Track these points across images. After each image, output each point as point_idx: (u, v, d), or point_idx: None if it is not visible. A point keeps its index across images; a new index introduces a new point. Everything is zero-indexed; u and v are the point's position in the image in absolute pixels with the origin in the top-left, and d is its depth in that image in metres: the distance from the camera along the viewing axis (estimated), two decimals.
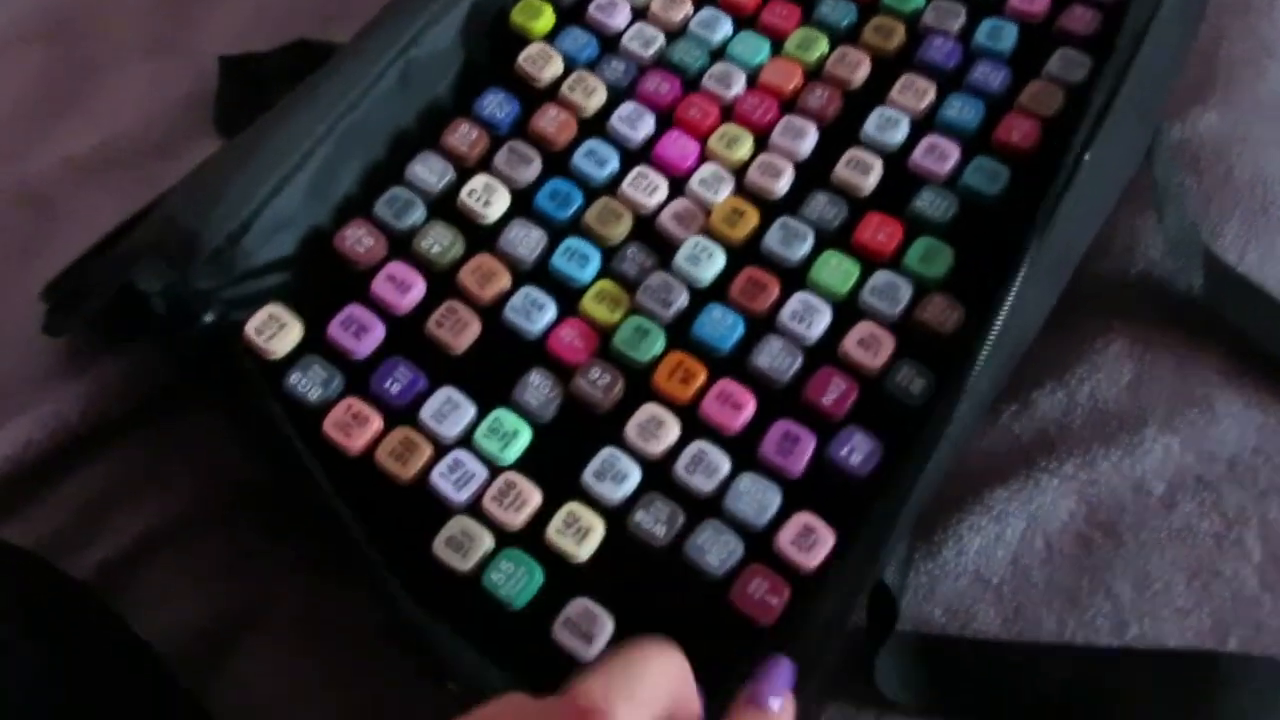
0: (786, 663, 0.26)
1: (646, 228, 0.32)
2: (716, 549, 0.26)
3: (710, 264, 0.31)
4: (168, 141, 0.50)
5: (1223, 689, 0.34)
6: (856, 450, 0.27)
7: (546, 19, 0.36)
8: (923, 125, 0.33)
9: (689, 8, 0.36)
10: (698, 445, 0.28)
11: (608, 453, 0.28)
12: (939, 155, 0.32)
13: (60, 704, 0.29)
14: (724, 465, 0.28)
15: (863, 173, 0.32)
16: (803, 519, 0.27)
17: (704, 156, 0.34)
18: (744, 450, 0.28)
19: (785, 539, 0.26)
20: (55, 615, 0.31)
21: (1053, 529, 0.38)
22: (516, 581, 0.27)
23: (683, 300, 0.31)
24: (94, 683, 0.30)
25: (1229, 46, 0.52)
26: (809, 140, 0.33)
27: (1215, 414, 0.41)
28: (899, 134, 0.33)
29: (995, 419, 0.41)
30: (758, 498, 0.27)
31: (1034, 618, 0.37)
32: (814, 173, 0.33)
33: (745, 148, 0.33)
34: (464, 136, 0.32)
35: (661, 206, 0.32)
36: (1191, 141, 0.48)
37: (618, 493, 0.28)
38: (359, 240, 0.30)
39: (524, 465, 0.29)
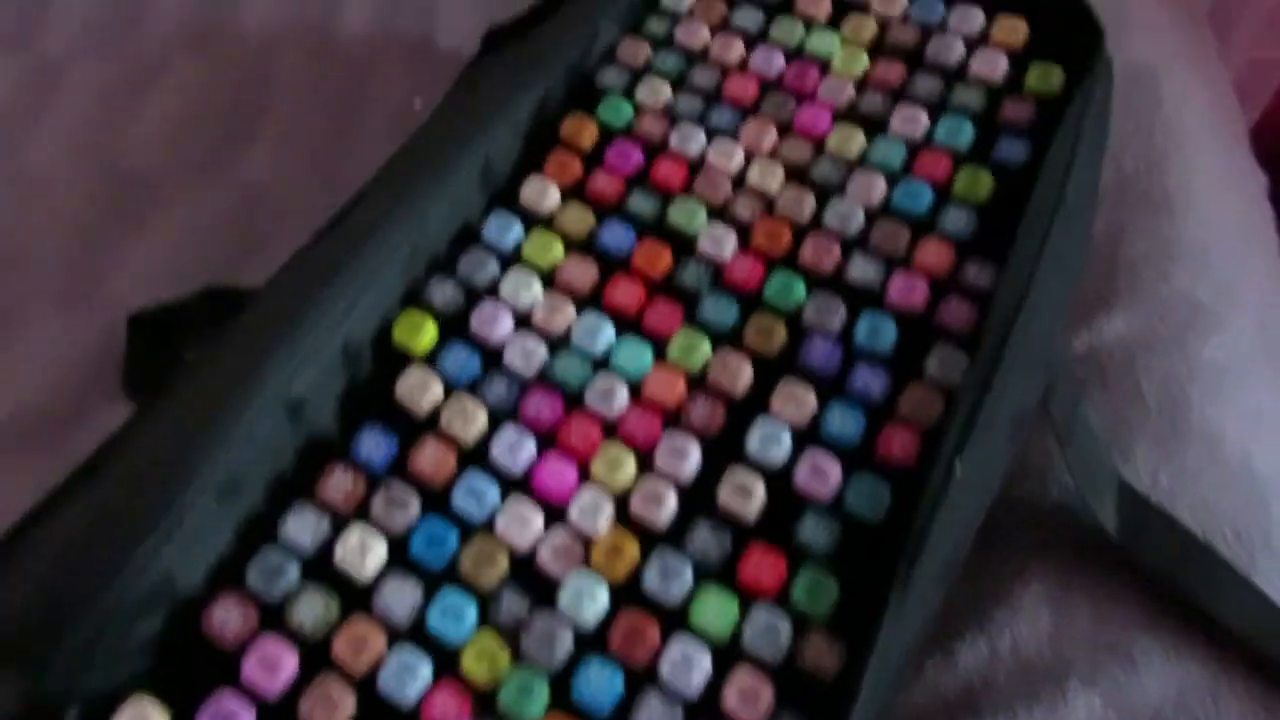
0: None
1: (525, 566, 0.32)
2: None
3: (592, 605, 0.31)
4: (76, 410, 0.50)
5: None
6: None
7: (429, 334, 0.36)
8: (805, 437, 0.34)
9: (571, 313, 0.36)
10: None
11: None
12: (820, 475, 0.33)
13: None
14: None
15: (745, 497, 0.32)
16: None
17: (585, 478, 0.33)
18: None
19: None
20: None
21: None
22: None
23: (567, 646, 0.31)
24: None
25: (1129, 246, 0.53)
26: (692, 461, 0.33)
27: (1135, 665, 0.41)
28: (781, 450, 0.33)
29: (920, 672, 0.41)
30: None
31: None
32: (698, 495, 0.33)
33: (628, 471, 0.33)
34: (339, 484, 0.33)
35: (539, 541, 0.32)
36: (1098, 351, 0.49)
37: None
38: (227, 620, 0.30)
39: None
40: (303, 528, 0.32)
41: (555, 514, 0.33)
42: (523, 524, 0.33)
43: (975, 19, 0.42)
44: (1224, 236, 0.54)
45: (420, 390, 0.35)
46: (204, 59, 0.64)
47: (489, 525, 0.33)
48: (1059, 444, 0.43)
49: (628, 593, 0.32)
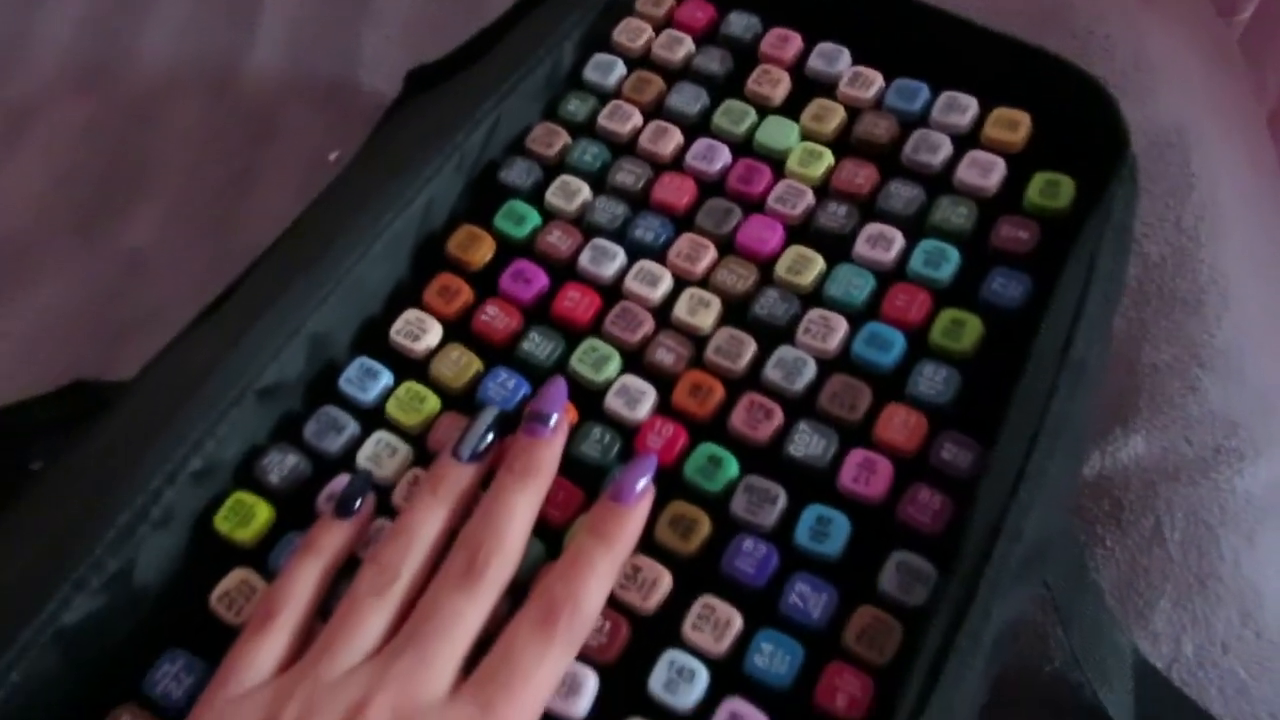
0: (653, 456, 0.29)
1: None
2: None
3: None
4: None
5: None
6: None
7: (261, 521, 0.29)
8: (725, 675, 0.27)
9: None
10: None
11: None
12: None
13: None
14: None
15: None
16: None
17: None
18: None
19: None
20: None
21: None
22: None
23: None
24: None
25: (1152, 351, 0.47)
26: (585, 698, 0.27)
27: None
28: (694, 693, 0.27)
29: None
30: None
31: None
32: None
33: None
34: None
35: None
36: (1113, 479, 0.44)
37: None
38: None
39: None
40: None
41: None
42: None
43: (966, 110, 0.35)
44: (1264, 341, 0.47)
45: (240, 599, 0.28)
46: (88, 100, 0.57)
47: None
48: (1060, 622, 0.36)
49: None
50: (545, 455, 0.29)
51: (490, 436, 0.30)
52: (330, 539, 0.28)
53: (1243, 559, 0.41)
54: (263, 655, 0.26)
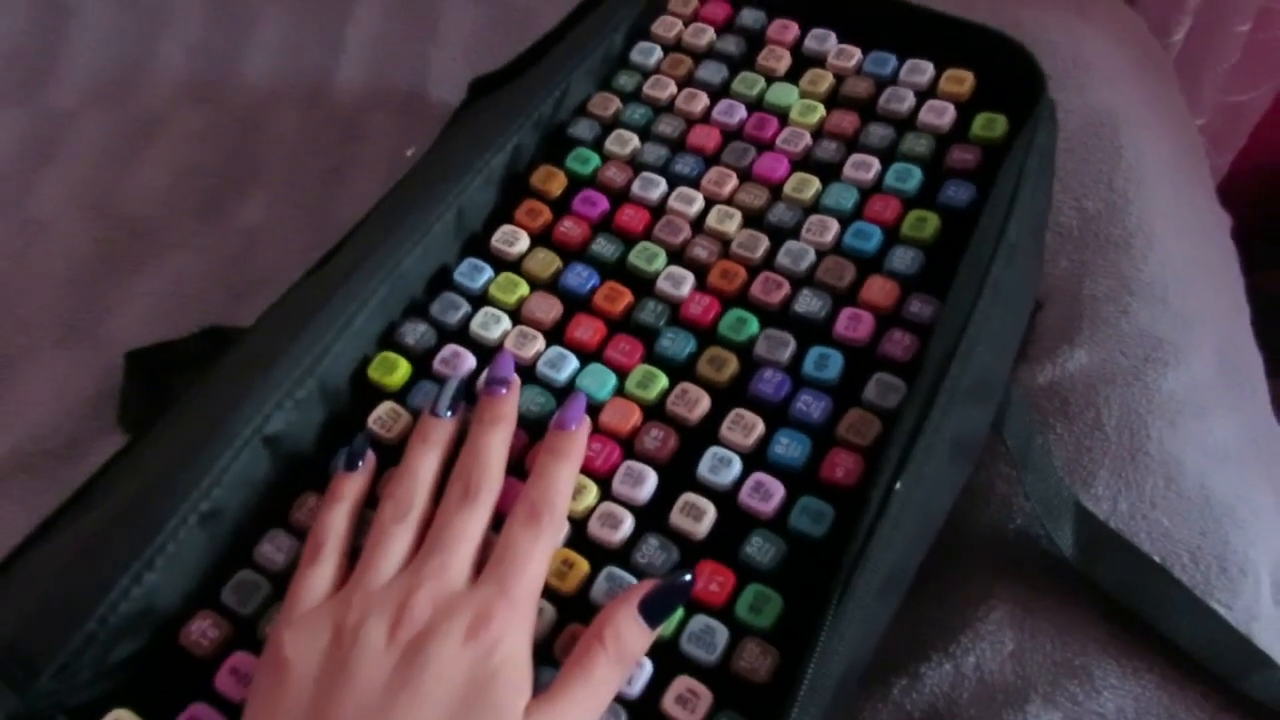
0: (582, 395, 0.37)
1: None
2: None
3: (539, 619, 0.33)
4: (74, 443, 0.53)
5: None
6: None
7: (401, 373, 0.39)
8: (753, 461, 0.36)
9: (539, 345, 0.39)
10: None
11: None
12: (764, 494, 0.35)
13: None
14: None
15: (695, 519, 0.35)
16: None
17: None
18: None
19: None
20: None
21: None
22: None
23: None
24: None
25: (1091, 284, 0.56)
26: (648, 486, 0.36)
27: (1094, 685, 0.43)
28: (731, 474, 0.36)
29: (887, 693, 0.43)
30: None
31: None
32: (652, 515, 0.35)
33: (590, 497, 0.36)
34: (312, 511, 0.35)
35: None
36: (1061, 384, 0.52)
37: None
38: (204, 633, 0.33)
39: None
40: (276, 549, 0.35)
41: None
42: None
43: (925, 71, 0.46)
44: (1184, 274, 0.56)
45: (390, 421, 0.38)
46: (203, 111, 0.69)
47: None
48: (1015, 469, 0.45)
49: (577, 605, 0.34)
50: (506, 407, 0.37)
51: (458, 396, 0.37)
52: (349, 487, 0.35)
53: (1166, 439, 0.49)
54: (317, 581, 0.33)
